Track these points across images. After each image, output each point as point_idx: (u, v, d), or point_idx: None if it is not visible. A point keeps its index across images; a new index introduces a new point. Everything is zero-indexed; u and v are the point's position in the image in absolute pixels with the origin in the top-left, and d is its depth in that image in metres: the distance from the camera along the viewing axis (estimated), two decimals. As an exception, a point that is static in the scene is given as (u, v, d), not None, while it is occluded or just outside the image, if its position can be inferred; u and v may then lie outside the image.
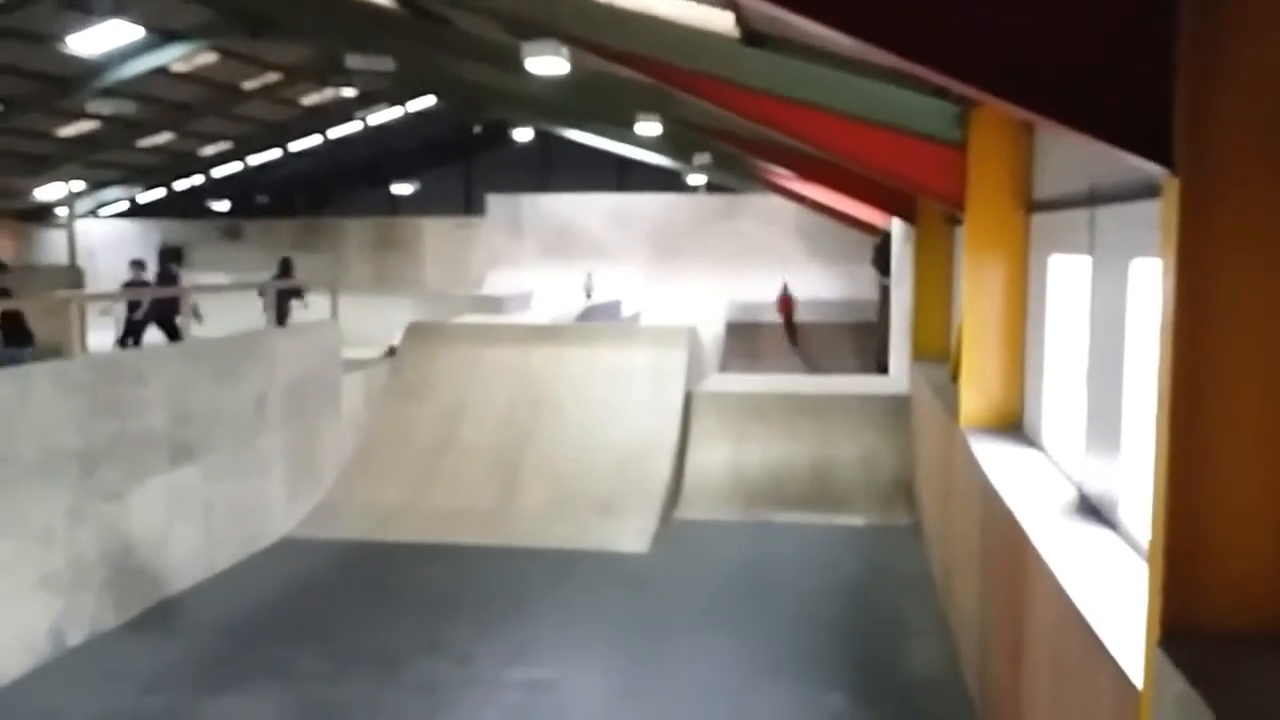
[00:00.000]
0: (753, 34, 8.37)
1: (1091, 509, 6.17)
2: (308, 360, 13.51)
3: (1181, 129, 3.33)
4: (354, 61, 15.18)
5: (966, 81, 3.64)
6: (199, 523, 11.29)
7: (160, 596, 10.51)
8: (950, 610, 9.51)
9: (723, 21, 8.32)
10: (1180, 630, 3.40)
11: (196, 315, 15.82)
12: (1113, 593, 4.67)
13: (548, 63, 9.53)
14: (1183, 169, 3.32)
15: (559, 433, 14.45)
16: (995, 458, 7.69)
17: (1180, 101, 3.33)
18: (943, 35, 3.56)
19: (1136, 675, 3.71)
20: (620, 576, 11.31)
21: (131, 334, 16.35)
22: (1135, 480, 5.57)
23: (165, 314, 16.06)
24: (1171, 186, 3.40)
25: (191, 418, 11.15)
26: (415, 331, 16.24)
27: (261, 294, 15.15)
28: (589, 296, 30.81)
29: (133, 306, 16.22)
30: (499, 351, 15.75)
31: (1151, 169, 3.49)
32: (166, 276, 19.07)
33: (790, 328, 30.55)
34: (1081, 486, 6.52)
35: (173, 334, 15.72)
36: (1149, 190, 5.02)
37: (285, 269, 20.26)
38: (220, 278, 28.43)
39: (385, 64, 15.26)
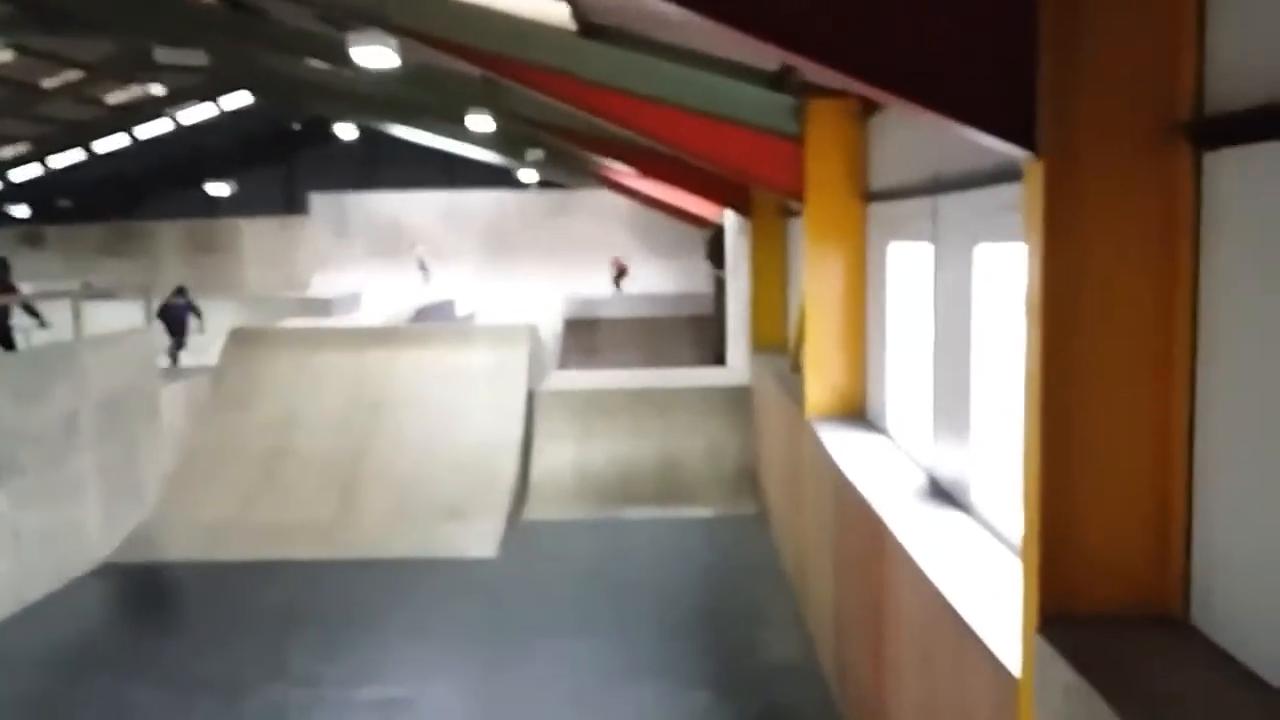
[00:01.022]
0: (589, 25, 8.21)
1: (943, 493, 6.27)
2: (121, 372, 12.62)
3: (1044, 111, 3.32)
4: (164, 55, 14.27)
5: (824, 64, 3.55)
6: (4, 552, 10.37)
7: (-35, 635, 9.63)
8: (804, 599, 9.60)
9: (558, 12, 8.12)
10: (1058, 615, 3.40)
11: (39, 321, 14.50)
12: (976, 579, 4.71)
13: (375, 54, 9.12)
14: (1046, 151, 3.32)
15: (398, 438, 13.98)
16: (844, 446, 7.76)
17: (1043, 84, 3.33)
18: (801, 16, 3.47)
19: (1013, 663, 3.72)
20: (469, 583, 11.00)
21: None
22: (985, 464, 5.68)
23: None
24: (1035, 170, 3.40)
25: (-8, 440, 10.25)
26: (238, 337, 15.43)
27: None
28: (424, 271, 29.35)
29: None
30: (330, 356, 15.12)
31: (1014, 152, 3.48)
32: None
33: None
34: (932, 471, 6.62)
35: (7, 343, 14.06)
36: (993, 177, 5.10)
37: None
38: (25, 287, 26.42)
39: (197, 58, 14.41)
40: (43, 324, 14.58)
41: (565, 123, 13.44)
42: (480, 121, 14.91)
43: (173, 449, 13.70)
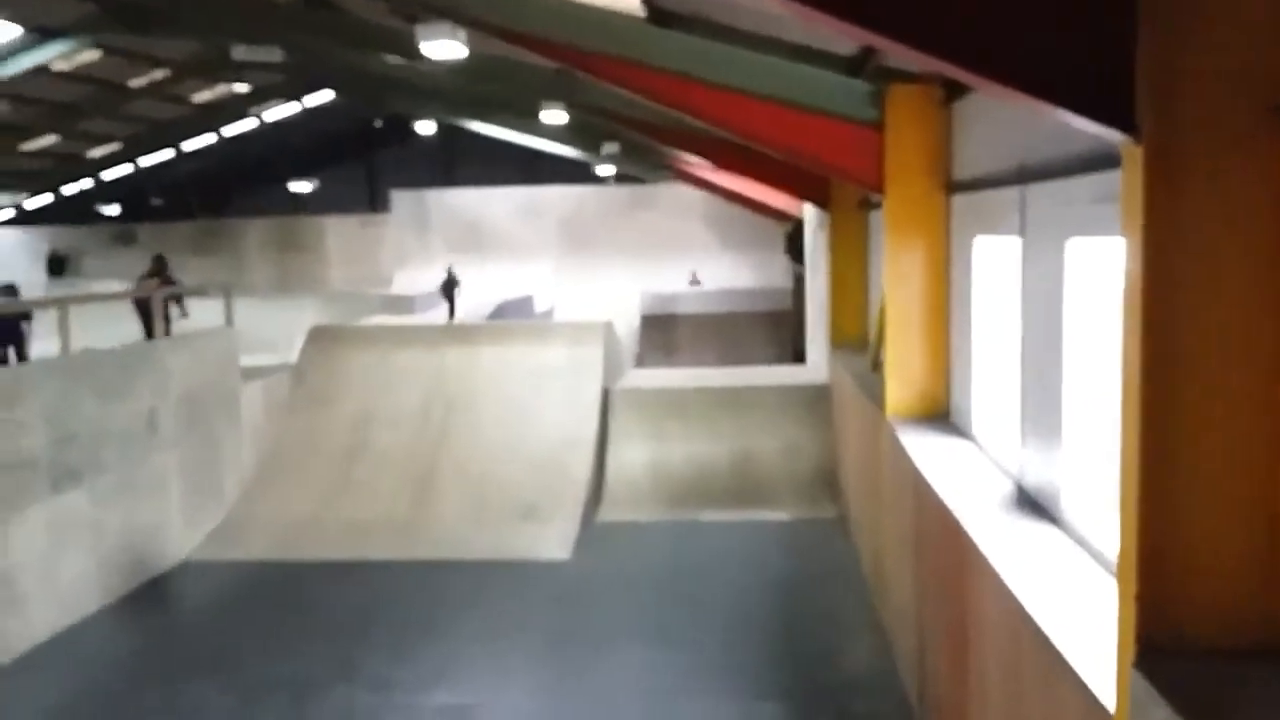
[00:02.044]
0: (660, 13, 7.97)
1: (1031, 503, 5.90)
2: (202, 371, 12.75)
3: (1144, 92, 2.99)
4: (240, 53, 14.40)
5: (905, 44, 3.27)
6: (88, 550, 10.51)
7: (50, 631, 9.75)
8: (883, 606, 9.25)
9: (628, 0, 7.89)
10: (1157, 648, 3.07)
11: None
12: (1067, 599, 4.36)
13: (444, 46, 8.98)
14: (1147, 136, 2.99)
15: (474, 436, 13.91)
16: (925, 450, 7.41)
17: (1142, 62, 3.00)
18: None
19: (1107, 697, 3.39)
20: (542, 586, 10.84)
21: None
22: (1078, 472, 5.30)
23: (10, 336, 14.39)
24: (1134, 155, 3.07)
25: (75, 438, 10.37)
26: (318, 335, 15.51)
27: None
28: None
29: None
30: (409, 353, 15.11)
31: (1111, 136, 3.15)
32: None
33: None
34: (1020, 479, 6.24)
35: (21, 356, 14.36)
36: (1085, 164, 4.73)
37: (159, 268, 16.74)
38: (114, 285, 27.12)
39: (273, 54, 14.50)
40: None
41: (638, 115, 13.21)
42: (554, 115, 14.78)
43: (253, 447, 13.81)
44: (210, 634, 9.97)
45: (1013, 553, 5.05)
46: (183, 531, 12.14)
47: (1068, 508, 5.37)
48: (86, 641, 9.77)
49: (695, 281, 32.33)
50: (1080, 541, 5.11)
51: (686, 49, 7.92)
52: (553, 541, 12.00)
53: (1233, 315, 3.00)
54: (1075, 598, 4.36)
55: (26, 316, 14.64)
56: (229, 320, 13.94)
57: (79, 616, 10.17)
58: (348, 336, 15.77)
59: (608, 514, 13.22)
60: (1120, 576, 3.25)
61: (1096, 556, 4.85)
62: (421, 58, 9.60)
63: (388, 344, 15.31)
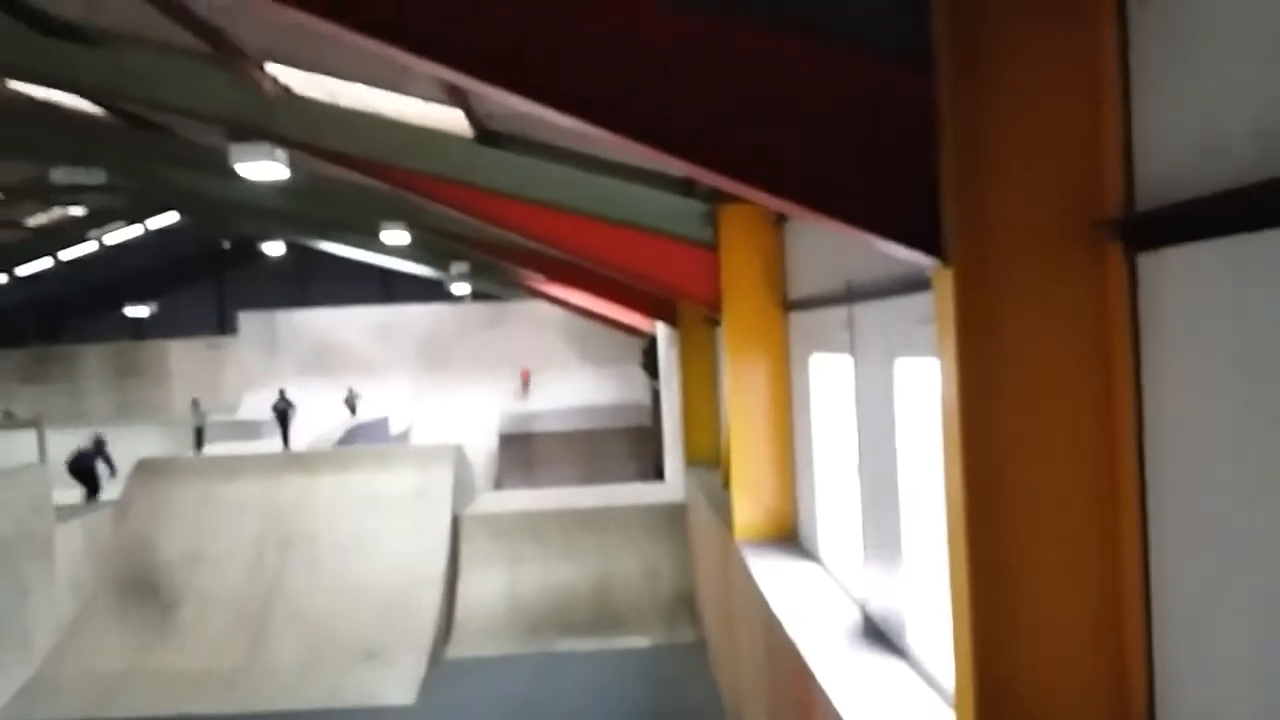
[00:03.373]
0: (487, 132, 7.76)
1: (877, 632, 5.63)
2: (8, 512, 11.67)
3: (950, 214, 2.83)
4: (60, 175, 13.66)
5: (722, 174, 3.10)
6: None
7: None
8: (741, 739, 8.82)
9: (454, 119, 7.66)
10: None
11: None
12: (912, 746, 4.06)
13: (261, 168, 8.60)
14: (955, 258, 2.81)
15: (312, 573, 13.07)
16: (773, 576, 7.11)
17: (946, 185, 2.84)
18: (699, 128, 3.03)
19: None
20: (383, 734, 10.08)
21: None
22: (921, 600, 5.06)
23: None
24: (944, 277, 2.89)
25: None
26: (144, 469, 14.50)
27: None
28: (353, 412, 28.83)
29: None
30: (242, 485, 14.22)
31: (921, 260, 2.97)
32: None
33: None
34: (865, 605, 5.99)
35: None
36: (908, 285, 4.61)
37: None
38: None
39: (96, 176, 13.79)
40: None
41: (476, 234, 12.98)
42: (396, 235, 14.42)
43: (69, 594, 12.66)
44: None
45: (857, 693, 4.75)
46: (-20, 693, 10.93)
47: (912, 639, 5.12)
48: None
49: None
50: (927, 678, 4.84)
51: (516, 169, 7.73)
52: (396, 684, 11.25)
53: (1053, 435, 2.84)
54: (920, 746, 4.06)
55: None
56: (41, 455, 12.89)
57: None
58: (176, 469, 14.80)
59: (458, 649, 12.51)
60: (957, 709, 2.99)
61: (943, 694, 4.57)
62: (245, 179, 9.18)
63: (219, 476, 14.41)
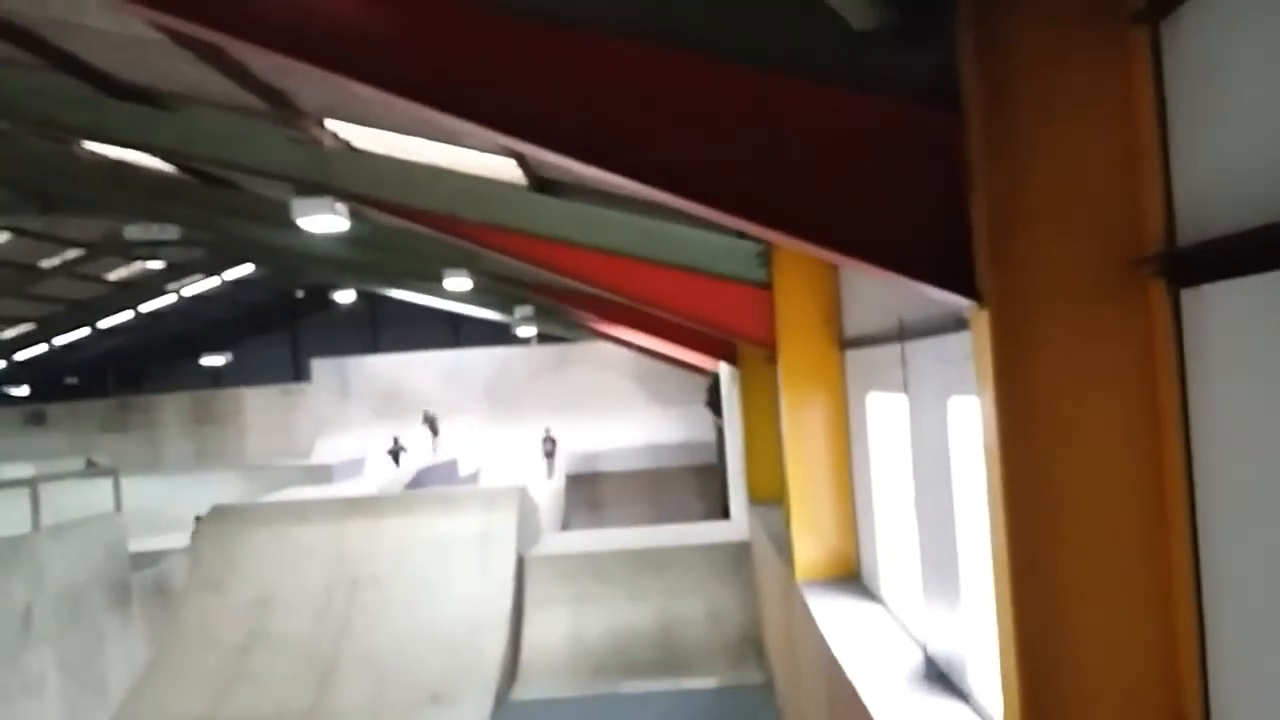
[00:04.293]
0: (541, 180, 7.88)
1: (939, 675, 5.54)
2: (85, 561, 11.99)
3: (983, 257, 2.82)
4: (134, 232, 14.13)
5: (754, 222, 3.13)
6: (-54, 768, 9.59)
7: None
8: (808, 784, 8.68)
9: (508, 169, 7.80)
10: None
11: None
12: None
13: (323, 221, 8.82)
14: (990, 299, 2.80)
15: (380, 617, 13.20)
16: (833, 616, 7.03)
17: (978, 225, 2.83)
18: (731, 177, 3.07)
19: None
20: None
21: None
22: (982, 641, 4.97)
23: None
24: (979, 319, 2.87)
25: (-70, 645, 9.57)
26: (216, 515, 14.81)
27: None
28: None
29: None
30: (311, 530, 14.45)
31: (958, 301, 2.96)
32: None
33: None
34: (925, 647, 5.89)
35: None
36: (959, 322, 4.56)
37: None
38: (23, 469, 26.01)
39: (168, 232, 14.26)
40: None
41: (535, 279, 13.13)
42: (458, 281, 14.64)
43: (144, 640, 12.94)
44: None
45: (917, 738, 4.67)
46: (61, 738, 11.18)
47: (973, 680, 5.02)
48: None
49: (549, 443, 31.03)
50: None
51: (570, 215, 7.82)
52: (463, 728, 11.28)
53: (1097, 478, 2.79)
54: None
55: None
56: (117, 504, 13.24)
57: None
58: (247, 515, 15.09)
59: (523, 691, 12.52)
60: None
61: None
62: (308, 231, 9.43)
63: (288, 521, 14.66)
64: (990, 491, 2.98)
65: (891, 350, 6.04)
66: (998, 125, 2.81)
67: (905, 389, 5.80)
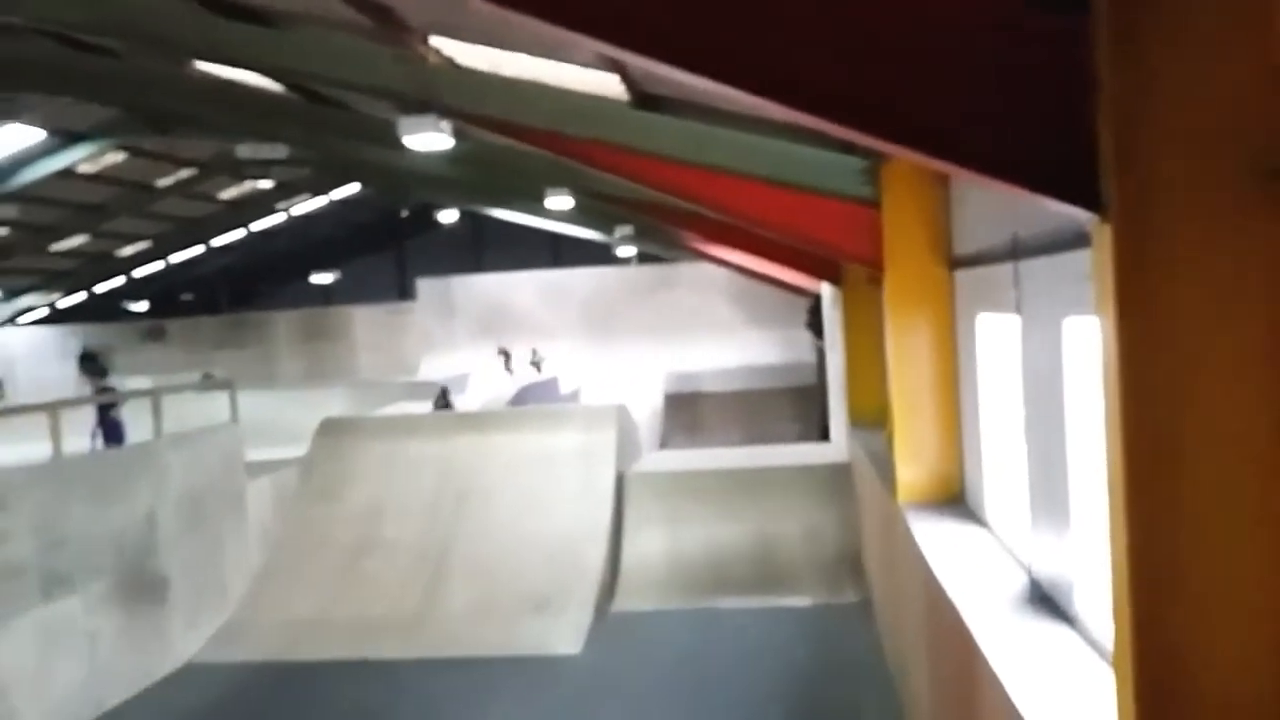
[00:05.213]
0: (643, 96, 7.79)
1: (1044, 598, 5.48)
2: (204, 469, 12.55)
3: (1108, 166, 2.69)
4: (245, 150, 14.50)
5: (864, 131, 3.02)
6: (82, 659, 10.22)
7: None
8: (908, 703, 8.73)
9: (610, 84, 7.73)
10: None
11: None
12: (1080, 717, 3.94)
13: (428, 139, 8.89)
14: (1114, 212, 2.68)
15: (485, 527, 13.57)
16: (936, 540, 6.99)
17: (1104, 131, 2.70)
18: (837, 83, 2.95)
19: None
20: (554, 683, 10.43)
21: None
22: (1090, 564, 4.89)
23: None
24: (1102, 233, 2.76)
25: (67, 544, 10.15)
26: (328, 428, 15.31)
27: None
28: (539, 370, 29.89)
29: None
30: (419, 443, 14.87)
31: (1078, 214, 2.85)
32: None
33: None
34: (1031, 570, 5.82)
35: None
36: (1077, 239, 4.41)
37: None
38: (144, 381, 27.24)
39: (278, 151, 14.58)
40: None
41: (637, 198, 13.07)
42: (560, 200, 14.68)
43: (260, 545, 13.55)
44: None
45: (1019, 657, 4.64)
46: (184, 634, 11.83)
47: (1080, 605, 4.95)
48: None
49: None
50: (1093, 644, 4.69)
51: (672, 132, 7.74)
52: (563, 635, 11.58)
53: (1223, 397, 2.67)
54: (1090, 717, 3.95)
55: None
56: (234, 415, 13.77)
57: (74, 729, 9.86)
58: (358, 428, 15.57)
59: (622, 604, 12.78)
60: (1118, 686, 2.89)
61: (1110, 661, 4.41)
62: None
63: (398, 434, 15.09)
64: (1108, 412, 2.88)
65: (1004, 269, 5.88)
66: (1126, 24, 2.66)
67: (1018, 309, 5.66)
